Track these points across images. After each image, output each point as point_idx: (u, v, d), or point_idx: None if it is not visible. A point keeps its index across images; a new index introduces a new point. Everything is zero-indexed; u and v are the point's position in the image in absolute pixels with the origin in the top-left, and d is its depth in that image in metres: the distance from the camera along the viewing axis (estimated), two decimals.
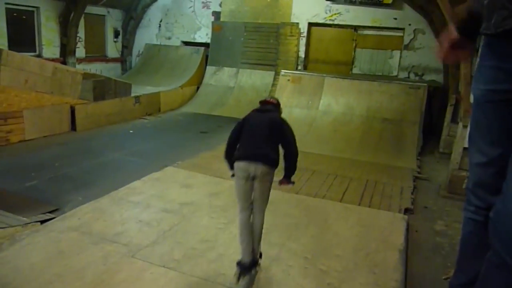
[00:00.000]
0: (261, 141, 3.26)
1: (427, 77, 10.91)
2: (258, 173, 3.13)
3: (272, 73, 12.06)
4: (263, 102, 3.64)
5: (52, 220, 4.19)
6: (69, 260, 3.43)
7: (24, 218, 4.21)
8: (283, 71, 10.71)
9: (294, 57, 12.07)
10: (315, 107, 9.60)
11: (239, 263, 3.17)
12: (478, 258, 2.22)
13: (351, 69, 11.80)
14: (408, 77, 11.10)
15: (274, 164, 3.25)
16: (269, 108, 3.59)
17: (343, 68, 11.72)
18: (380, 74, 11.45)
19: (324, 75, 10.18)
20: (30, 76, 7.46)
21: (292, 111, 9.69)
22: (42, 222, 4.17)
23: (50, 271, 3.25)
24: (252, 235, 3.24)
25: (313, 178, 6.13)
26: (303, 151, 7.56)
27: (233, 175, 3.29)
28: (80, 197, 4.97)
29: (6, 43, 10.12)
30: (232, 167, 3.30)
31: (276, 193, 5.31)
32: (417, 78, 11.00)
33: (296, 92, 10.06)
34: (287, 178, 3.48)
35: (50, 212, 4.52)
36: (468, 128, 2.33)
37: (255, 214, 3.28)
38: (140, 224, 4.18)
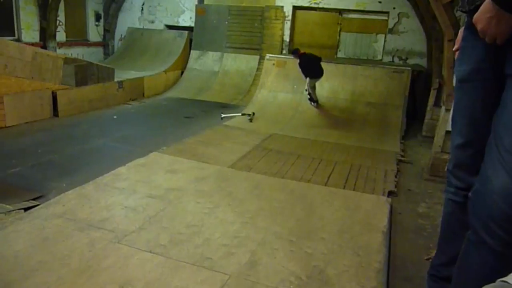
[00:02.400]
0: None
1: (411, 61, 10.99)
2: None
3: (257, 57, 11.99)
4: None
5: (36, 207, 4.14)
6: (54, 247, 3.41)
7: (8, 206, 4.15)
8: (268, 55, 10.65)
9: (279, 41, 12.01)
10: (300, 91, 9.60)
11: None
12: (458, 238, 2.29)
13: (336, 53, 11.81)
14: (393, 61, 11.17)
15: None
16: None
17: (328, 52, 11.71)
18: (365, 58, 11.49)
19: None
20: (9, 60, 7.25)
21: (277, 95, 9.70)
22: (26, 209, 4.12)
23: (35, 259, 3.22)
24: None
25: (299, 162, 6.18)
26: (288, 135, 7.67)
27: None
28: (64, 184, 4.92)
29: None
30: None
31: (261, 178, 5.36)
32: (401, 62, 11.08)
33: (281, 76, 10.04)
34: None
35: (34, 199, 4.46)
36: (451, 112, 2.37)
37: None
38: (126, 210, 4.16)
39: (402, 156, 7.05)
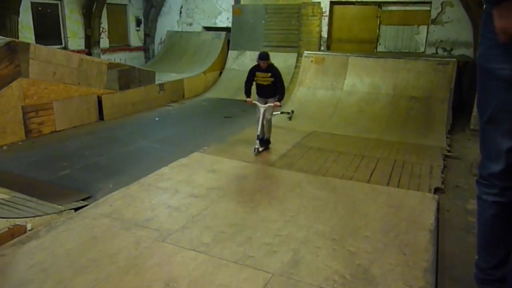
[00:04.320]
0: None
1: (456, 52, 10.52)
2: None
3: (295, 54, 11.90)
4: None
5: (85, 208, 4.32)
6: (103, 245, 3.54)
7: (59, 206, 4.36)
8: (306, 52, 10.54)
9: (317, 37, 11.86)
10: (340, 87, 9.44)
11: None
12: (506, 238, 2.19)
13: (376, 47, 11.50)
14: (436, 53, 10.74)
15: None
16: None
17: (367, 47, 11.44)
18: (407, 51, 11.11)
19: (348, 54, 9.96)
20: (57, 68, 7.61)
21: (316, 92, 9.58)
22: (76, 209, 4.31)
23: (85, 256, 3.36)
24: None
25: (340, 160, 6.07)
26: (328, 133, 7.56)
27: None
28: (110, 185, 5.10)
29: (33, 37, 10.38)
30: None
31: (302, 176, 5.32)
32: (445, 53, 10.63)
33: (319, 73, 9.91)
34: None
35: (83, 200, 4.66)
36: (488, 112, 2.20)
37: None
38: (170, 210, 4.26)
39: (449, 151, 6.76)
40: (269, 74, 5.99)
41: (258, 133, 6.10)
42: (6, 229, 3.59)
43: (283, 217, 4.15)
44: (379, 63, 9.50)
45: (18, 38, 8.93)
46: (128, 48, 13.89)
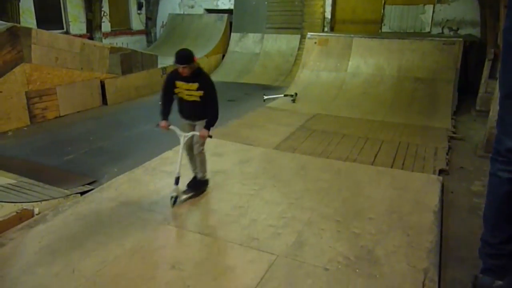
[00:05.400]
0: None
1: (463, 31, 10.36)
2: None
3: (298, 36, 11.78)
4: None
5: (91, 192, 4.36)
6: (110, 228, 3.58)
7: (65, 190, 4.40)
8: (309, 34, 10.41)
9: (320, 18, 11.71)
10: (344, 69, 9.36)
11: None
12: None
13: (381, 28, 11.34)
14: (442, 33, 10.58)
15: None
16: None
17: (371, 27, 11.28)
18: (412, 31, 10.95)
19: (352, 35, 9.84)
20: (60, 53, 7.58)
21: (320, 74, 9.51)
22: (82, 193, 4.35)
23: (93, 239, 3.41)
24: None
25: (344, 142, 6.06)
26: (332, 115, 7.52)
27: None
28: (115, 169, 5.13)
29: (34, 22, 10.30)
30: None
31: (306, 158, 5.32)
32: (451, 33, 10.47)
33: (323, 54, 9.81)
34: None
35: (88, 184, 4.70)
36: (509, 86, 2.21)
37: None
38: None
39: (454, 132, 6.72)
40: (196, 85, 3.82)
41: (178, 172, 3.93)
42: (14, 213, 3.63)
43: (287, 199, 4.17)
44: (384, 44, 9.38)
45: (19, 23, 8.87)
46: (130, 32, 13.78)
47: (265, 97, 8.86)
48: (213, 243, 3.39)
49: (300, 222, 3.74)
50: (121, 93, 8.94)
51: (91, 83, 8.28)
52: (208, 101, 3.91)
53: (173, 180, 3.92)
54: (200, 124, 3.98)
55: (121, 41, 12.93)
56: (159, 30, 14.54)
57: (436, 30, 10.68)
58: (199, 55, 11.93)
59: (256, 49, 12.33)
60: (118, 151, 5.91)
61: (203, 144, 4.10)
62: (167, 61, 10.97)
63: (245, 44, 12.57)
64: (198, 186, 4.28)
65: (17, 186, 4.32)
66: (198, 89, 3.84)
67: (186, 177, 4.23)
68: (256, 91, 9.90)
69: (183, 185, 4.11)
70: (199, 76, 3.86)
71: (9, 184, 4.35)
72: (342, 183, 4.63)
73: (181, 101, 3.99)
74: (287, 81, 10.46)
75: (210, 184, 4.46)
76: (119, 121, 7.54)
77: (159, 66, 10.32)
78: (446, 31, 10.58)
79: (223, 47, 12.78)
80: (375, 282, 2.92)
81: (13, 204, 3.73)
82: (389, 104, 8.20)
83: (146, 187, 4.44)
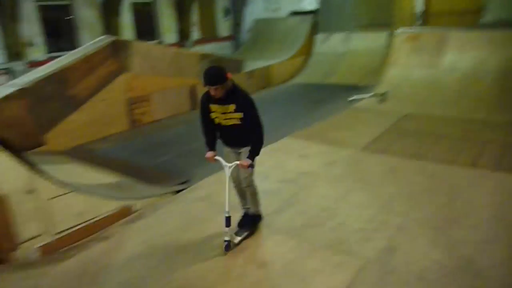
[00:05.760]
0: None
1: None
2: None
3: (387, 33, 11.24)
4: None
5: (183, 191, 4.61)
6: (200, 226, 3.75)
7: (162, 189, 4.71)
8: (399, 30, 9.88)
9: (411, 13, 11.06)
10: (438, 65, 8.71)
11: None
12: None
13: (481, 18, 10.35)
14: None
15: None
16: None
17: (469, 18, 10.33)
18: None
19: (448, 28, 9.13)
20: (155, 62, 8.16)
21: (411, 72, 8.96)
22: (176, 192, 4.62)
23: (185, 236, 3.59)
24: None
25: (439, 143, 5.64)
26: (425, 115, 7.04)
27: None
28: (205, 170, 5.35)
29: (133, 34, 11.24)
30: None
31: (397, 161, 5.05)
32: None
33: (415, 51, 9.24)
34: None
35: (181, 184, 4.97)
36: None
37: None
38: (261, 194, 4.31)
39: None
40: (233, 107, 3.24)
41: (227, 211, 3.31)
42: (117, 210, 3.98)
43: (377, 203, 3.99)
44: (485, 36, 8.54)
45: (120, 37, 9.73)
46: (217, 38, 14.35)
47: (351, 97, 8.61)
48: (300, 245, 3.36)
49: (391, 226, 3.55)
50: None
51: (182, 89, 8.78)
52: (250, 124, 3.28)
53: (257, 182, 3.83)
54: (246, 151, 3.35)
55: (209, 48, 13.52)
56: (245, 35, 14.94)
57: None
58: (284, 57, 12.03)
59: (342, 49, 12.05)
60: None
61: (252, 174, 3.48)
62: (253, 65, 11.24)
63: (330, 44, 12.36)
64: (251, 223, 3.62)
65: (120, 185, 4.72)
66: (236, 111, 3.22)
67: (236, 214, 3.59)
68: (342, 92, 9.66)
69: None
70: (235, 95, 3.24)
71: (112, 182, 4.78)
72: (438, 187, 4.30)
73: (220, 126, 3.38)
74: (375, 81, 10.04)
75: (297, 185, 4.44)
76: None
77: (245, 70, 10.59)
78: None
79: (308, 48, 12.70)
80: None
81: (116, 201, 4.08)
82: (493, 102, 7.42)
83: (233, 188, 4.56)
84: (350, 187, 4.38)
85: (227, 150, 3.53)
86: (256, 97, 10.11)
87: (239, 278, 2.99)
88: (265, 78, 11.11)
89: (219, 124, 3.36)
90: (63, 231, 3.65)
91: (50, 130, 6.07)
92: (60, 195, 3.64)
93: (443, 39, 8.88)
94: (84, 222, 3.78)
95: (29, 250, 3.44)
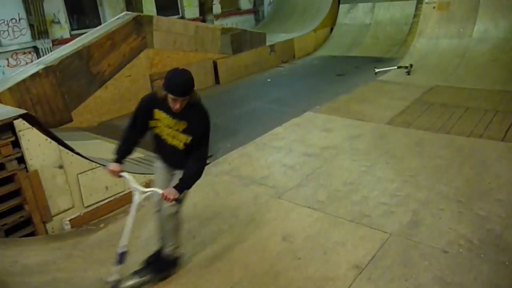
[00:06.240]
0: None
1: None
2: None
3: (414, 2, 10.82)
4: None
5: (208, 165, 4.65)
6: (224, 200, 3.82)
7: None
8: None
9: None
10: (468, 34, 8.36)
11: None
12: None
13: None
14: None
15: None
16: None
17: None
18: None
19: None
20: (177, 37, 8.13)
21: (439, 42, 8.66)
22: None
23: (210, 210, 3.66)
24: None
25: (467, 116, 5.48)
26: (454, 87, 6.83)
27: None
28: (228, 144, 5.39)
29: (154, 10, 11.19)
30: None
31: (423, 134, 4.96)
32: None
33: (443, 20, 8.88)
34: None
35: None
36: None
37: None
38: (284, 168, 4.36)
39: None
40: (183, 125, 2.52)
41: (123, 246, 2.55)
42: (144, 184, 4.07)
43: (401, 177, 3.95)
44: None
45: (142, 12, 9.72)
46: (238, 12, 14.14)
47: (377, 70, 8.40)
48: (323, 218, 3.38)
49: (416, 200, 3.52)
50: (232, 72, 9.30)
51: (205, 64, 8.76)
52: (194, 154, 2.55)
53: (280, 156, 3.64)
54: (181, 174, 2.57)
55: (231, 22, 13.36)
56: (266, 8, 14.66)
57: None
58: (307, 30, 11.78)
59: (367, 20, 11.69)
60: (230, 128, 6.19)
61: (179, 208, 2.71)
62: (275, 38, 11.07)
63: (354, 15, 12.00)
64: (162, 267, 2.84)
65: (145, 160, 4.81)
66: (185, 132, 2.51)
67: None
68: (366, 64, 9.44)
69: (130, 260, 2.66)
70: (193, 112, 2.52)
71: (139, 157, 4.88)
72: (465, 160, 4.21)
73: (158, 138, 2.64)
74: (401, 52, 9.75)
75: (320, 159, 4.44)
76: (231, 99, 7.87)
77: (267, 43, 10.46)
78: None
79: (332, 20, 12.37)
80: (505, 270, 2.63)
81: (143, 175, 4.18)
82: None
83: (257, 162, 4.60)
84: (374, 161, 4.34)
85: (161, 164, 2.77)
86: (278, 71, 10.05)
87: (264, 250, 3.05)
88: (288, 51, 10.94)
89: (157, 135, 2.61)
90: (92, 204, 3.78)
91: (77, 107, 6.21)
92: (88, 170, 3.76)
93: (474, 6, 8.49)
94: (112, 196, 3.91)
95: (61, 222, 3.59)
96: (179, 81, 2.39)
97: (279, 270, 2.81)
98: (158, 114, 2.53)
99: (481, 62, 7.69)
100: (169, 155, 2.69)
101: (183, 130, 2.51)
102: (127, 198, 3.95)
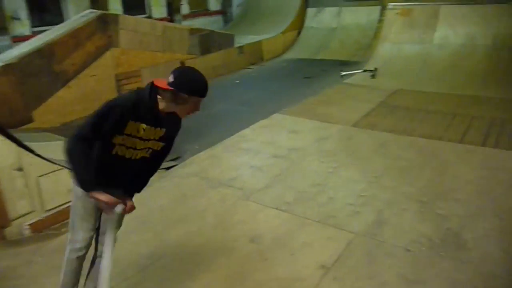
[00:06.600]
0: None
1: None
2: None
3: (378, 8, 11.12)
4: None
5: (175, 167, 4.61)
6: (192, 202, 3.78)
7: None
8: (390, 4, 9.78)
9: None
10: (429, 41, 8.69)
11: None
12: None
13: None
14: None
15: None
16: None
17: None
18: None
19: (439, 3, 9.05)
20: (144, 36, 7.99)
21: (402, 47, 8.94)
22: (167, 169, 4.62)
23: (177, 212, 3.62)
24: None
25: (428, 119, 5.69)
26: (416, 90, 7.07)
27: None
28: (196, 146, 5.35)
29: (120, 8, 10.96)
30: None
31: (387, 136, 5.10)
32: None
33: (406, 26, 9.18)
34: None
35: (172, 160, 4.97)
36: None
37: None
38: (252, 169, 4.37)
39: None
40: (162, 132, 2.18)
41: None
42: None
43: (367, 177, 4.05)
44: (477, 11, 8.51)
45: (108, 10, 9.49)
46: (207, 12, 14.06)
47: (343, 73, 8.59)
48: (290, 219, 3.42)
49: (380, 201, 3.62)
50: None
51: (172, 64, 8.60)
52: (160, 159, 2.37)
53: (248, 158, 3.35)
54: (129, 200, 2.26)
55: (199, 22, 13.25)
56: (235, 10, 14.66)
57: None
58: (275, 32, 11.87)
59: (333, 24, 11.92)
60: (198, 129, 6.13)
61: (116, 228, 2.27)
62: (243, 39, 11.08)
63: (321, 19, 12.21)
64: None
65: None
66: (160, 139, 2.19)
67: None
68: (333, 67, 9.62)
69: None
70: (170, 116, 2.15)
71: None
72: (426, 162, 4.37)
73: (114, 159, 2.10)
74: (366, 56, 9.99)
75: (287, 161, 4.48)
76: None
77: (236, 45, 10.46)
78: None
79: (300, 23, 12.53)
80: (462, 267, 2.75)
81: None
82: (482, 77, 7.47)
83: (225, 163, 4.59)
84: (341, 163, 4.42)
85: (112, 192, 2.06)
86: (246, 73, 10.05)
87: (231, 251, 3.04)
88: (256, 53, 10.99)
89: (114, 156, 2.08)
90: (54, 208, 3.65)
91: (38, 107, 5.98)
92: (50, 172, 3.62)
93: (435, 13, 8.84)
94: None
95: (20, 227, 3.45)
96: (204, 78, 2.09)
97: (247, 271, 2.82)
98: (133, 127, 2.02)
99: (441, 68, 8.00)
100: (124, 174, 2.20)
101: (160, 137, 2.17)
102: None
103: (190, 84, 2.04)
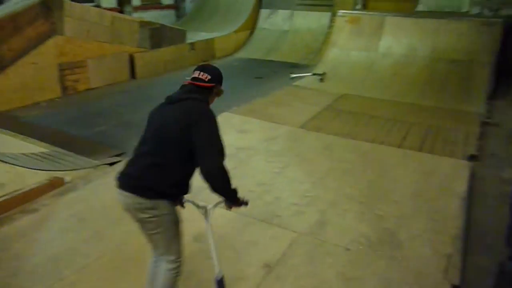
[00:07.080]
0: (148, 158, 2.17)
1: (504, 12, 9.82)
2: (131, 208, 2.21)
3: (329, 14, 11.46)
4: (191, 81, 2.36)
5: (119, 163, 4.46)
6: None
7: (95, 161, 4.53)
8: (340, 12, 10.11)
9: None
10: (374, 49, 9.08)
11: None
12: None
13: (416, 6, 10.88)
14: (481, 13, 10.07)
15: (157, 196, 2.15)
16: (189, 94, 2.31)
17: (406, 6, 10.82)
18: (449, 10, 10.46)
19: (385, 14, 9.51)
20: (91, 26, 7.68)
21: (350, 54, 9.27)
22: (111, 164, 4.47)
23: (119, 210, 3.49)
24: None
25: (371, 123, 5.95)
26: (361, 96, 7.36)
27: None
28: None
29: None
30: None
31: (332, 138, 5.26)
32: (491, 13, 9.94)
33: (354, 33, 9.54)
34: (228, 203, 2.38)
35: (117, 156, 4.82)
36: None
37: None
38: None
39: (488, 117, 6.47)
40: None
41: (218, 272, 2.48)
42: (47, 181, 3.78)
43: (311, 178, 4.16)
44: (418, 24, 9.03)
45: None
46: (159, 6, 13.74)
47: (293, 75, 8.76)
48: (236, 218, 3.43)
49: (324, 201, 3.73)
50: (150, 68, 9.02)
51: (120, 57, 8.39)
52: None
53: None
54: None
55: (150, 16, 12.92)
56: (188, 5, 14.46)
57: (475, 10, 10.17)
58: (228, 31, 11.86)
59: (285, 26, 12.12)
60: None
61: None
62: (195, 36, 10.97)
63: (274, 20, 12.37)
64: None
65: (50, 155, 4.47)
66: None
67: None
68: (283, 69, 9.78)
69: None
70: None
71: (42, 152, 4.51)
72: (368, 164, 4.57)
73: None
74: (316, 60, 10.26)
75: (235, 160, 4.49)
76: (147, 95, 7.62)
77: (188, 41, 10.32)
78: (486, 11, 10.06)
79: (252, 23, 12.61)
80: (397, 265, 2.91)
81: (45, 172, 3.88)
82: (421, 87, 7.94)
83: None
84: (287, 163, 4.51)
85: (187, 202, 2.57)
86: None
87: None
88: (208, 51, 10.92)
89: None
90: None
91: None
92: None
93: (381, 23, 9.25)
94: (8, 194, 3.56)
95: None
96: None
97: (191, 270, 2.80)
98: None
99: (385, 75, 8.39)
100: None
101: None
102: (25, 197, 3.63)
103: (221, 76, 2.40)
